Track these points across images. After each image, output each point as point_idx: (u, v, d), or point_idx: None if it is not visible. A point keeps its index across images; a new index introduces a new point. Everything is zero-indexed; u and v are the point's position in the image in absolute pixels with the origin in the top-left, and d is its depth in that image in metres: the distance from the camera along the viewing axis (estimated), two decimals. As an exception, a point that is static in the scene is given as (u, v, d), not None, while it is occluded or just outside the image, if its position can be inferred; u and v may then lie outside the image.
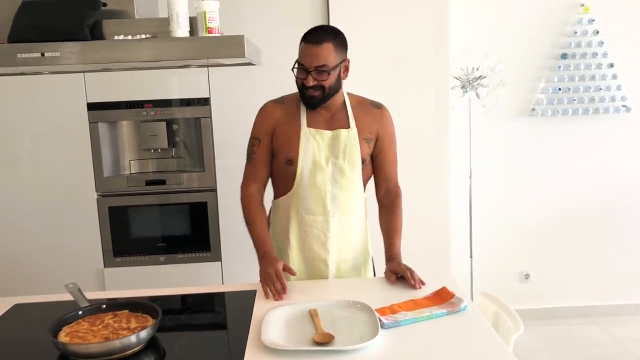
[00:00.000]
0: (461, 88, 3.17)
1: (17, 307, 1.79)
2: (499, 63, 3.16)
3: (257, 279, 2.14)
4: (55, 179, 2.87)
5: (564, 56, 3.37)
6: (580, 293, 3.60)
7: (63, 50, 1.21)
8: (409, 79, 2.93)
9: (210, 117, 2.88)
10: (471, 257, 3.39)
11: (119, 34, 1.25)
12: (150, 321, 1.55)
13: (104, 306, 1.63)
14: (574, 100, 3.40)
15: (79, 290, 1.69)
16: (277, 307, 1.64)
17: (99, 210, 2.87)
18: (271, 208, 2.09)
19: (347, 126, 1.95)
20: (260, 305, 1.70)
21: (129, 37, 1.23)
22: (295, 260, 2.00)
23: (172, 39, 1.23)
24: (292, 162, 1.93)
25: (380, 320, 1.53)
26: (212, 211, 2.95)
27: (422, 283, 1.82)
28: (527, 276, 3.58)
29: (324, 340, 1.43)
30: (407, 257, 2.94)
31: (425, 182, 2.99)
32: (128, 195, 2.89)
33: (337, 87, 1.92)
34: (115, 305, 1.64)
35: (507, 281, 3.58)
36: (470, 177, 3.33)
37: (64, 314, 1.55)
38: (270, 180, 2.05)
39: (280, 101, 2.02)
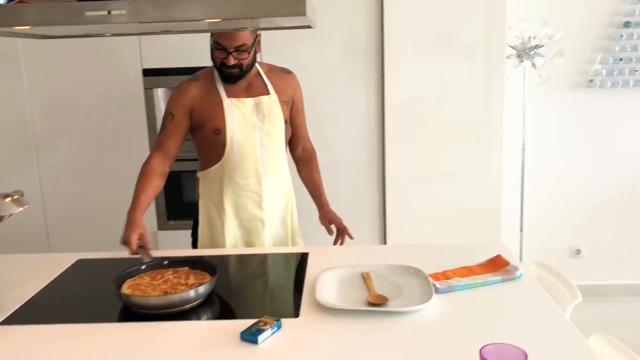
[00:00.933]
0: (517, 57, 3.08)
1: (80, 262, 1.86)
2: (557, 32, 3.05)
3: (309, 243, 2.18)
4: (111, 144, 2.95)
5: (626, 24, 3.22)
6: (633, 270, 3.51)
7: (129, 8, 1.23)
8: (460, 49, 2.86)
9: (262, 84, 2.90)
10: (521, 230, 3.33)
11: (182, -8, 1.26)
12: (208, 278, 1.59)
13: (166, 262, 1.68)
14: (636, 70, 3.26)
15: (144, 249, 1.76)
16: (330, 269, 1.65)
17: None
18: (199, 180, 2.13)
19: (267, 92, 2.04)
20: (314, 266, 1.73)
21: (194, -5, 1.24)
22: (230, 225, 2.07)
23: (235, -4, 1.23)
24: (219, 131, 1.99)
25: (433, 285, 1.52)
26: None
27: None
28: (578, 252, 3.50)
29: (378, 302, 1.44)
30: (458, 227, 2.95)
31: (478, 154, 2.94)
32: (182, 161, 2.93)
33: (254, 62, 2.01)
34: (176, 261, 1.69)
35: (557, 256, 3.51)
36: (523, 150, 3.26)
37: (128, 268, 1.62)
38: (197, 154, 2.11)
39: (195, 79, 2.05)
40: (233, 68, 1.93)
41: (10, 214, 1.48)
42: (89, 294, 1.63)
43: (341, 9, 2.82)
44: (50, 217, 3.05)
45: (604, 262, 3.50)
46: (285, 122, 2.09)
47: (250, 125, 2.00)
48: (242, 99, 2.01)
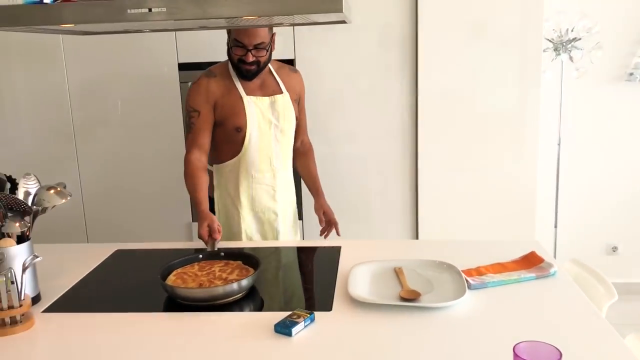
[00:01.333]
0: (554, 51, 3.03)
1: (119, 252, 1.92)
2: (596, 24, 2.99)
3: (339, 239, 2.20)
4: (147, 136, 3.01)
5: (669, 17, 3.13)
6: (673, 269, 3.43)
7: (169, 5, 1.26)
8: (495, 41, 2.81)
9: (294, 78, 2.91)
10: (556, 226, 3.29)
11: (220, -10, 1.28)
12: (251, 271, 1.61)
13: (222, 254, 1.74)
14: (678, 64, 3.17)
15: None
16: (362, 263, 1.66)
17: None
18: (214, 173, 2.20)
19: (280, 91, 2.13)
20: (345, 261, 1.74)
21: (231, -7, 1.26)
22: (246, 216, 2.17)
23: (272, -6, 1.24)
24: (240, 129, 2.07)
25: (467, 280, 1.52)
26: (294, 172, 3.00)
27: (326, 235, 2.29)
28: (614, 249, 3.44)
29: (411, 297, 1.45)
30: (491, 222, 2.93)
31: (512, 148, 2.90)
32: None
33: (269, 59, 2.08)
34: (231, 255, 1.73)
35: (593, 253, 3.45)
36: (559, 144, 3.21)
37: (185, 256, 1.69)
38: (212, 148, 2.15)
39: (212, 75, 2.11)
40: (251, 65, 2.01)
41: (54, 206, 1.53)
42: (128, 284, 1.68)
43: (376, 1, 2.81)
44: (89, 208, 3.12)
45: (642, 259, 3.43)
46: (296, 119, 2.20)
47: (267, 122, 2.10)
48: (259, 97, 2.09)
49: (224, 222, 2.17)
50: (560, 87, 3.13)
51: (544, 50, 2.96)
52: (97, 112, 3.04)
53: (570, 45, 3.00)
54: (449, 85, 2.86)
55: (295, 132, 2.26)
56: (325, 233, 2.31)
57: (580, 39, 2.99)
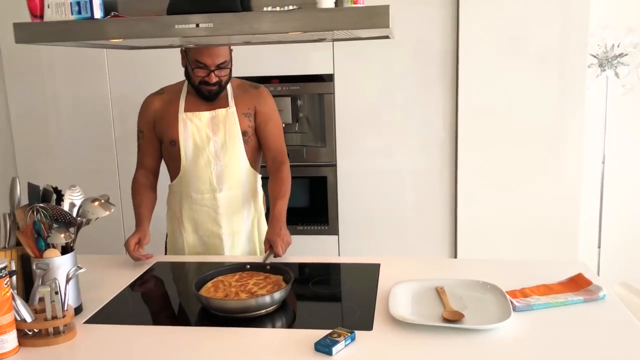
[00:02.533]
0: (598, 67, 2.96)
1: (158, 265, 1.93)
2: (644, 40, 2.92)
3: (376, 252, 2.15)
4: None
5: None
6: None
7: (216, 21, 1.27)
8: (539, 58, 2.76)
9: (333, 93, 2.92)
10: (599, 247, 3.19)
11: (267, 6, 1.29)
12: (283, 284, 1.61)
13: (248, 266, 1.73)
14: None
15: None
16: (403, 282, 1.63)
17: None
18: (168, 192, 2.17)
19: (226, 105, 2.04)
20: (385, 279, 1.71)
21: (277, 9, 1.26)
22: (190, 240, 2.10)
23: (319, 9, 1.24)
24: (174, 142, 2.02)
25: (511, 302, 1.48)
26: (331, 186, 2.99)
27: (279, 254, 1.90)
28: (661, 272, 3.31)
29: (454, 318, 1.41)
30: (532, 241, 2.86)
31: (555, 165, 2.83)
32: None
33: (230, 77, 2.03)
34: (257, 267, 1.73)
35: (638, 275, 3.33)
36: (603, 162, 3.12)
37: (229, 266, 1.71)
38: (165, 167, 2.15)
39: (160, 92, 2.10)
40: (213, 85, 1.96)
41: (97, 218, 1.54)
42: (166, 296, 1.69)
43: (414, 16, 2.80)
44: (128, 220, 3.17)
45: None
46: (244, 133, 2.04)
47: (204, 138, 2.01)
48: (197, 112, 2.02)
49: (172, 244, 2.15)
50: (605, 103, 3.05)
51: (589, 66, 2.89)
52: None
53: (616, 61, 2.92)
54: (490, 100, 2.82)
55: (263, 150, 2.13)
56: (265, 255, 1.89)
57: (626, 54, 2.91)
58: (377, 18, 1.21)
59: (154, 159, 2.11)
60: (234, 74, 2.04)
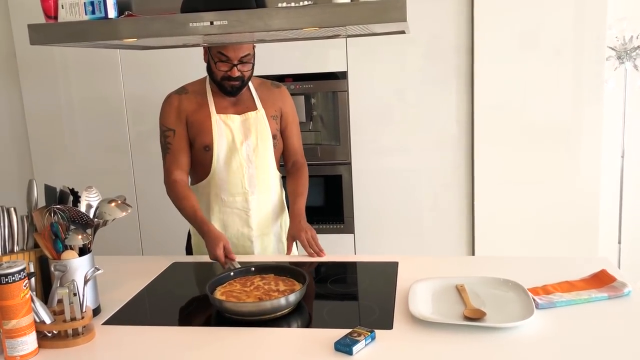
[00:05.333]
0: (617, 59, 2.91)
1: (175, 265, 1.92)
2: (663, 31, 2.86)
3: (391, 251, 2.12)
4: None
5: None
6: None
7: (230, 18, 1.26)
8: (556, 52, 2.72)
9: (347, 91, 2.90)
10: (619, 242, 3.14)
11: (281, 2, 1.27)
12: (298, 285, 1.59)
13: (253, 269, 1.70)
14: None
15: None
16: (422, 280, 1.61)
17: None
18: None
19: (254, 108, 2.02)
20: (403, 277, 1.69)
21: (292, 4, 1.25)
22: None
23: (334, 4, 1.22)
24: (209, 148, 1.98)
25: (534, 300, 1.45)
26: (346, 184, 2.98)
27: (322, 253, 1.91)
28: (684, 267, 3.25)
29: (475, 316, 1.39)
30: (551, 237, 2.82)
31: (573, 160, 2.79)
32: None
33: (252, 73, 1.99)
34: (262, 268, 1.71)
35: (660, 271, 3.28)
36: (622, 157, 3.07)
37: (218, 275, 1.65)
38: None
39: (184, 91, 2.04)
40: (236, 80, 1.94)
41: (114, 219, 1.54)
42: (184, 298, 1.68)
43: (428, 12, 2.77)
44: (144, 220, 3.17)
45: None
46: (274, 137, 2.06)
47: (238, 141, 1.99)
48: (230, 115, 2.00)
49: (197, 244, 2.09)
50: (624, 96, 3.00)
51: (607, 59, 2.84)
52: (153, 125, 3.08)
53: (635, 53, 2.87)
54: (507, 95, 2.78)
55: (285, 151, 2.15)
56: (319, 255, 1.95)
57: (645, 46, 2.86)
58: (394, 12, 1.19)
59: (188, 157, 2.05)
60: (258, 71, 2.02)
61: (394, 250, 2.96)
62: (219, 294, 1.58)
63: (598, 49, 2.70)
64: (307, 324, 1.48)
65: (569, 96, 2.75)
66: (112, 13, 1.31)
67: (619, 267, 3.14)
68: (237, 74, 1.92)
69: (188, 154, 2.04)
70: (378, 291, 1.66)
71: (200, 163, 2.03)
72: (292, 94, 2.89)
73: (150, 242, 3.19)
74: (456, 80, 2.81)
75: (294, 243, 2.04)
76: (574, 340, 1.30)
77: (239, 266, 1.74)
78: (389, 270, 1.77)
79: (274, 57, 2.89)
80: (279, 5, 1.26)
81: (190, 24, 1.26)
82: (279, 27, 1.25)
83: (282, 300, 1.47)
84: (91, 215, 1.53)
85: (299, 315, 1.51)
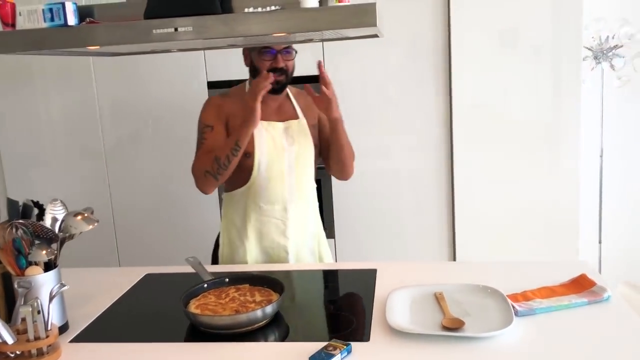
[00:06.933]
0: (593, 59, 2.91)
1: (148, 277, 1.87)
2: (638, 31, 2.87)
3: (374, 258, 2.09)
4: (176, 157, 2.99)
5: None
6: None
7: (196, 24, 1.21)
8: (533, 52, 2.71)
9: (324, 93, 2.86)
10: (600, 242, 3.14)
11: (248, 7, 1.23)
12: (274, 296, 1.55)
13: (227, 280, 1.66)
14: None
15: (200, 263, 1.73)
16: (400, 288, 1.58)
17: (218, 188, 2.94)
18: (224, 201, 2.08)
19: (296, 116, 2.00)
20: (382, 285, 1.66)
21: (259, 10, 1.21)
22: (253, 250, 2.00)
23: (302, 9, 1.19)
24: (249, 155, 1.92)
25: (513, 307, 1.43)
26: (325, 189, 2.94)
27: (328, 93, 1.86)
28: (663, 265, 3.27)
29: (454, 326, 1.36)
30: (530, 240, 2.81)
31: (553, 160, 2.78)
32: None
33: (293, 71, 1.96)
34: (236, 279, 1.66)
35: (640, 269, 3.29)
36: (601, 156, 3.08)
37: (191, 287, 1.59)
38: None
39: (226, 94, 2.01)
40: (281, 74, 1.89)
41: (81, 232, 1.49)
42: (156, 311, 1.63)
43: (404, 13, 2.74)
44: (120, 229, 3.11)
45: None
46: (315, 147, 2.03)
47: (280, 149, 1.96)
48: (272, 122, 1.96)
49: (227, 254, 2.05)
50: (601, 96, 3.01)
51: (583, 59, 2.85)
52: (128, 131, 3.03)
53: (611, 53, 2.88)
54: (485, 96, 2.77)
55: (330, 155, 2.08)
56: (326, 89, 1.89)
57: (621, 46, 2.87)
58: (364, 16, 1.16)
59: None
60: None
61: (375, 254, 2.93)
62: (193, 307, 1.53)
63: (575, 49, 2.70)
64: (284, 337, 1.44)
65: (547, 96, 2.74)
66: (72, 20, 1.26)
67: (600, 266, 3.15)
68: (281, 63, 1.88)
69: None
70: (356, 301, 1.63)
71: (239, 169, 1.95)
72: (269, 98, 2.88)
73: (128, 252, 3.13)
74: (434, 81, 2.79)
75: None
76: (553, 348, 1.28)
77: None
78: (367, 279, 1.74)
79: (249, 61, 2.85)
80: (246, 10, 1.22)
81: (154, 31, 1.22)
82: (247, 33, 1.21)
83: (259, 313, 1.43)
84: (56, 229, 1.48)
85: (276, 327, 1.47)
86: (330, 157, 2.07)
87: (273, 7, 1.21)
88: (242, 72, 2.86)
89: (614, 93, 3.07)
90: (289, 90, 2.04)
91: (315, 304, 1.64)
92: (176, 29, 1.21)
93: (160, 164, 3.02)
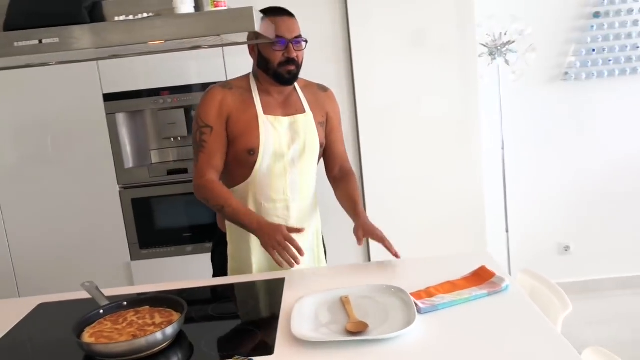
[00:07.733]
0: (489, 55, 3.02)
1: (41, 307, 1.74)
2: (528, 27, 3.00)
3: (285, 266, 2.05)
4: (77, 173, 2.84)
5: (596, 15, 3.18)
6: (623, 263, 3.45)
7: (62, 35, 1.13)
8: (431, 51, 2.78)
9: (229, 101, 2.80)
10: (507, 231, 3.27)
11: (119, 15, 1.17)
12: (175, 315, 1.48)
13: (125, 303, 1.57)
14: (610, 61, 3.22)
15: (97, 288, 1.63)
16: (307, 295, 1.56)
17: (122, 203, 2.83)
18: None
19: (302, 111, 1.93)
20: (289, 294, 1.63)
21: (131, 17, 1.15)
22: (255, 248, 1.91)
23: (176, 15, 1.13)
24: (253, 151, 1.85)
25: (416, 304, 1.43)
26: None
27: (397, 256, 1.81)
28: (567, 248, 3.44)
29: (358, 330, 1.35)
30: (441, 234, 2.87)
31: (456, 156, 2.86)
32: (151, 186, 2.84)
33: (303, 62, 1.91)
34: (136, 301, 1.58)
35: (546, 255, 3.44)
36: (502, 149, 3.20)
37: (86, 314, 1.49)
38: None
39: (229, 87, 1.90)
40: (293, 64, 1.84)
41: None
42: (48, 344, 1.51)
43: (300, 18, 2.73)
44: (17, 257, 2.91)
45: (594, 257, 3.44)
46: (321, 145, 1.96)
47: (284, 145, 1.88)
48: (279, 117, 1.88)
49: (233, 253, 1.95)
50: (498, 90, 3.13)
51: (480, 56, 2.95)
52: (25, 148, 2.84)
53: (505, 49, 3.00)
54: (389, 95, 2.81)
55: (330, 157, 2.06)
56: (397, 256, 1.85)
57: (514, 42, 2.99)
58: (241, 21, 1.12)
59: (222, 159, 1.88)
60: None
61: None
62: (87, 336, 1.43)
63: (471, 46, 2.79)
64: (188, 357, 1.38)
65: (447, 93, 2.82)
66: None
67: (509, 255, 3.27)
68: (294, 54, 1.82)
69: (223, 155, 1.87)
70: (263, 311, 1.59)
71: (240, 165, 1.87)
72: (170, 108, 2.79)
73: (27, 281, 2.92)
74: (338, 85, 2.79)
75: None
76: (455, 343, 1.29)
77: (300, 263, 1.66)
78: (274, 288, 1.70)
79: (148, 70, 2.75)
80: (116, 18, 1.15)
81: (15, 44, 1.13)
82: (119, 42, 1.14)
83: (159, 335, 1.36)
84: None
85: (179, 348, 1.41)
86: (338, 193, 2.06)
87: (146, 14, 1.15)
88: (140, 82, 2.76)
89: (510, 87, 3.20)
90: (296, 83, 1.96)
91: (222, 319, 1.59)
92: (41, 41, 1.13)
93: (60, 183, 2.85)
